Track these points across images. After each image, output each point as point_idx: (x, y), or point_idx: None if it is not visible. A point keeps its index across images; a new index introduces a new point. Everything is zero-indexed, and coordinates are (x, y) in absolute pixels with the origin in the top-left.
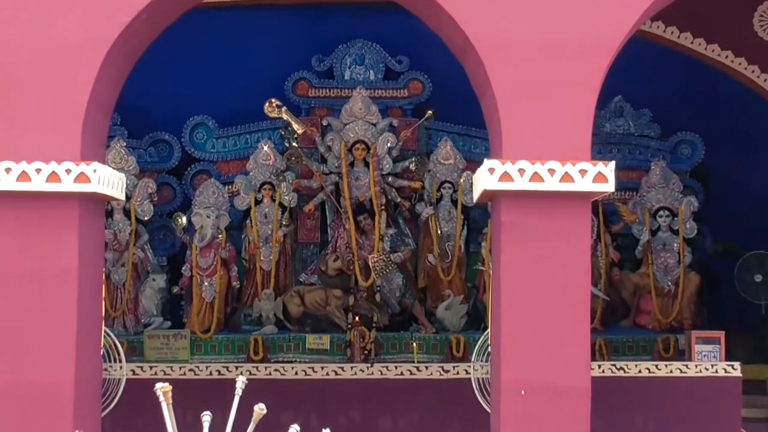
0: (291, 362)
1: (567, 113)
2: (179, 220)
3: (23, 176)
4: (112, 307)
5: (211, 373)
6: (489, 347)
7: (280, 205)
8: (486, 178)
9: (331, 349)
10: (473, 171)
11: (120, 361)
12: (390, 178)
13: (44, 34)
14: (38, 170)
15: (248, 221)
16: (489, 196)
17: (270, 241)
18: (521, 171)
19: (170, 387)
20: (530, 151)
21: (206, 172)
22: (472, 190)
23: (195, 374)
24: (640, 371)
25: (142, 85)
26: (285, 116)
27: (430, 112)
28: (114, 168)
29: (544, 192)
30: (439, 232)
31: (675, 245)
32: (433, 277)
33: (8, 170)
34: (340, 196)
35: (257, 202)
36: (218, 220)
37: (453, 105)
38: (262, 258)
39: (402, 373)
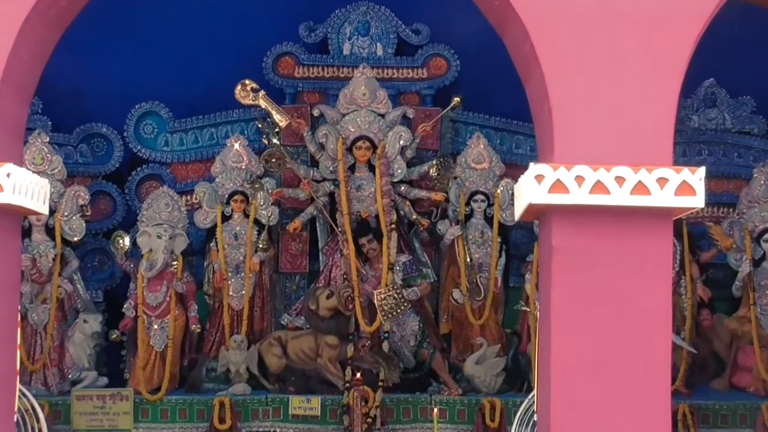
0: None
1: (641, 102)
2: (120, 241)
3: None
4: (29, 358)
5: None
6: (534, 415)
7: (256, 222)
8: (532, 189)
9: (323, 416)
10: (515, 179)
11: (39, 430)
12: (403, 188)
13: None
14: None
15: (213, 244)
16: (536, 212)
17: (242, 270)
18: (579, 179)
19: None
20: (591, 152)
21: (157, 177)
22: (512, 205)
23: None
24: None
25: (73, 62)
26: (263, 104)
27: (456, 99)
28: (34, 171)
29: (610, 208)
30: (468, 259)
31: None
32: (460, 320)
33: None
34: (336, 210)
35: (225, 218)
36: (172, 242)
37: (488, 90)
38: (231, 293)
39: None
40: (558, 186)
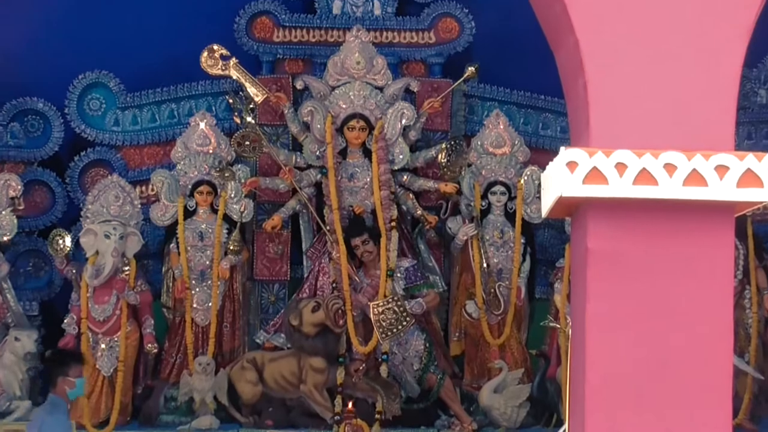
0: None
1: (696, 74)
2: (60, 241)
3: None
4: None
5: None
6: None
7: (226, 218)
8: (562, 179)
9: None
10: (542, 166)
11: None
12: (406, 177)
13: None
14: None
15: (173, 245)
16: (567, 207)
17: (208, 277)
18: (620, 167)
19: None
20: (635, 134)
21: (105, 163)
22: (539, 198)
23: None
24: None
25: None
26: (234, 74)
27: (471, 68)
28: None
29: (658, 202)
30: (485, 264)
31: None
32: (474, 338)
33: None
34: (324, 205)
35: (188, 213)
36: (124, 243)
37: (509, 58)
38: (195, 305)
39: None
40: (594, 175)
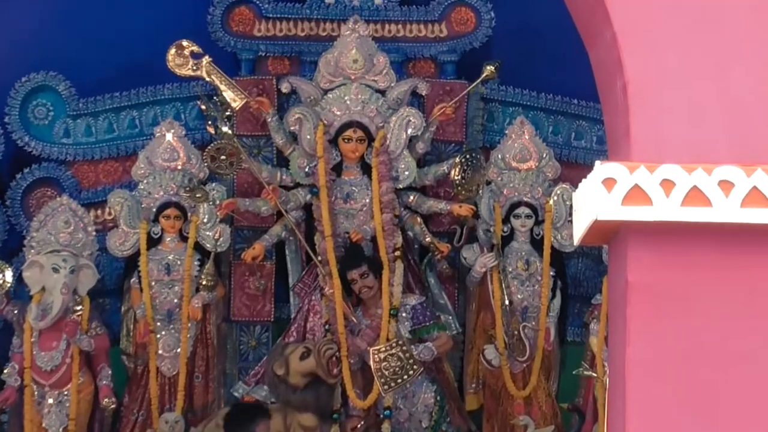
0: None
1: (756, 74)
2: None
3: None
4: None
5: None
6: None
7: (198, 248)
8: (599, 199)
9: None
10: (574, 184)
11: None
12: (413, 197)
13: None
14: None
15: (134, 280)
16: (605, 232)
17: (177, 318)
18: (667, 185)
19: None
20: (684, 146)
21: (53, 182)
22: (571, 222)
23: None
24: None
25: None
26: (207, 75)
27: (490, 67)
28: None
29: (712, 225)
30: (507, 302)
31: None
32: (495, 390)
33: None
34: (315, 231)
35: (153, 241)
36: (75, 278)
37: (535, 56)
38: (160, 351)
39: None
40: (636, 194)
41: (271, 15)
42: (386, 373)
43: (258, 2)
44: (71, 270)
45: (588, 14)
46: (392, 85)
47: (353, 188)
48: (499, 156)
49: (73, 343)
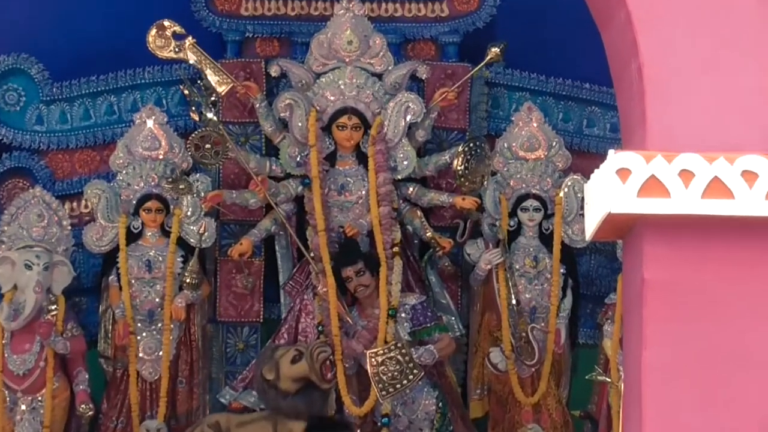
0: None
1: None
2: None
3: None
4: None
5: None
6: None
7: (181, 243)
8: (612, 190)
9: None
10: (586, 175)
11: None
12: (412, 189)
13: None
14: None
15: (113, 277)
16: (619, 226)
17: (158, 319)
18: (686, 175)
19: None
20: (704, 134)
21: (25, 172)
22: (582, 216)
23: None
24: None
25: None
26: (191, 57)
27: (495, 49)
28: None
29: (734, 219)
30: (513, 301)
31: None
32: (501, 396)
33: None
34: (307, 225)
35: (133, 236)
36: (49, 275)
37: (543, 36)
38: (141, 354)
39: None
40: (653, 185)
41: None
42: (384, 377)
43: None
44: (45, 267)
45: None
46: (390, 68)
47: (348, 179)
48: (505, 145)
49: (47, 345)
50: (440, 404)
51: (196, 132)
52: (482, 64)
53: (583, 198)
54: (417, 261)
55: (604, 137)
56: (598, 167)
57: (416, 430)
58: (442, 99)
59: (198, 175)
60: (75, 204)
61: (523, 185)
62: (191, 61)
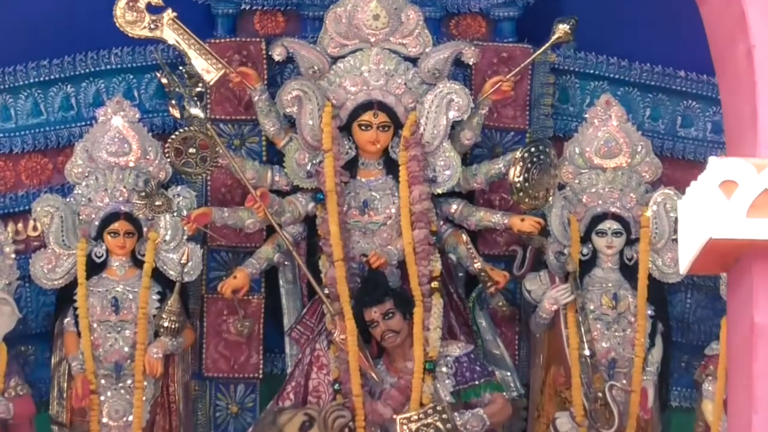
0: None
1: None
2: None
3: None
4: None
5: None
6: None
7: (157, 276)
8: (714, 209)
9: None
10: (681, 189)
11: None
12: (456, 207)
13: None
14: None
15: (69, 320)
16: (723, 255)
17: (128, 374)
18: None
19: None
20: None
21: None
22: (676, 240)
23: None
24: None
25: None
26: (171, 36)
27: (563, 26)
28: None
29: None
30: (586, 352)
31: None
32: None
33: None
34: (319, 253)
35: (95, 267)
36: None
37: (624, 12)
38: (106, 419)
39: None
40: (766, 203)
41: None
42: None
43: None
44: None
45: None
46: (427, 50)
47: (373, 194)
48: (577, 150)
49: None
50: None
51: (176, 132)
52: (547, 45)
53: (676, 219)
54: (462, 300)
55: (703, 140)
56: (695, 179)
57: None
58: (495, 90)
59: (179, 188)
60: (20, 225)
61: (600, 202)
62: (170, 41)
